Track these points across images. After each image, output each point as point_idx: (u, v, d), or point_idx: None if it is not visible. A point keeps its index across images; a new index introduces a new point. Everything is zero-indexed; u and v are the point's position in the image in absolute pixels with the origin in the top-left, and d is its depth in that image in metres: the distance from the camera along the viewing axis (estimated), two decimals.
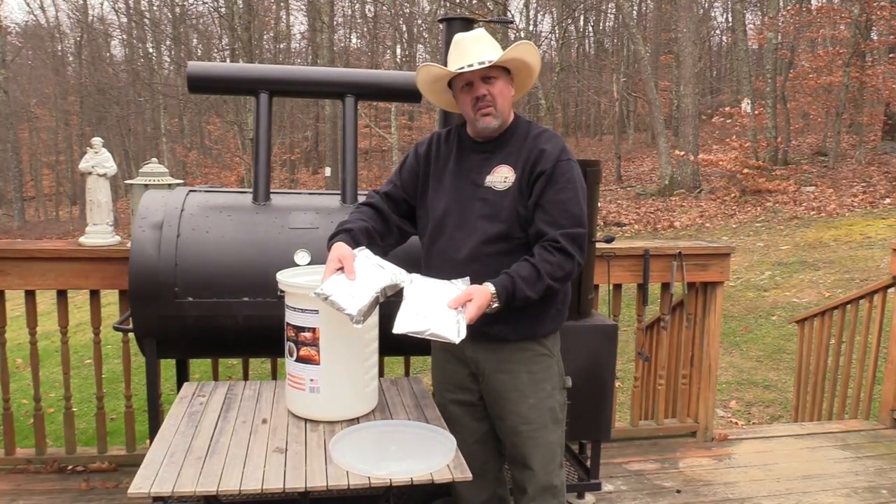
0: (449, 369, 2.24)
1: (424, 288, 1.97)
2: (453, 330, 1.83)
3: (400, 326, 1.84)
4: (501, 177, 2.05)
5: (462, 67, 2.00)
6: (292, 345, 2.12)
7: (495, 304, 1.91)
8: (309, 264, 2.48)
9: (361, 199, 2.81)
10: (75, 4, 30.88)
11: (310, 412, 2.12)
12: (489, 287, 1.91)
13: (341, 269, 1.95)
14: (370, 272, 1.99)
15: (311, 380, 2.09)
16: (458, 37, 2.05)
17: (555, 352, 2.15)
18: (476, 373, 2.17)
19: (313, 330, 2.06)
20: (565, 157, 2.01)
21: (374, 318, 2.21)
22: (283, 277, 2.12)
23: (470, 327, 1.88)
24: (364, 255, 2.03)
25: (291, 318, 2.11)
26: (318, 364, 2.08)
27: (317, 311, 2.05)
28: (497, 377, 2.10)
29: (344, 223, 2.14)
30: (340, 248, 2.01)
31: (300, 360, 2.10)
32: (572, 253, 1.96)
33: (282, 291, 2.12)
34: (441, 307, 1.89)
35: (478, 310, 1.88)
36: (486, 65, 1.98)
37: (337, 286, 1.92)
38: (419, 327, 1.83)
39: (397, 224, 2.23)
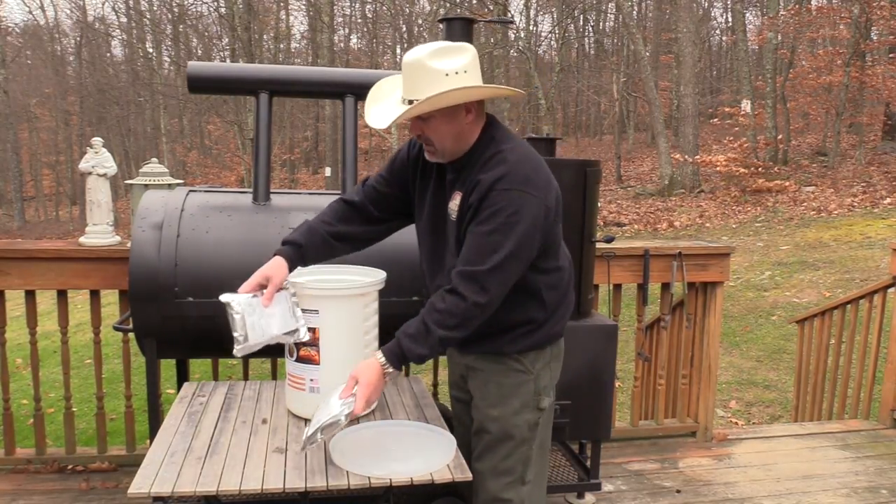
0: (451, 367, 2.24)
1: (326, 399, 1.92)
2: (336, 412, 1.75)
3: (303, 445, 1.79)
4: (455, 205, 1.90)
5: (382, 116, 1.86)
6: (292, 345, 2.12)
7: (390, 370, 1.81)
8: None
9: None
10: (75, 4, 30.92)
11: (310, 412, 2.12)
12: (377, 357, 1.81)
13: (265, 286, 1.96)
14: (281, 315, 1.98)
15: (311, 380, 2.09)
16: (404, 61, 1.81)
17: (533, 369, 1.99)
18: (465, 375, 2.16)
19: (313, 330, 2.07)
20: (502, 186, 1.77)
21: (375, 318, 2.22)
22: None
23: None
24: (286, 295, 2.00)
25: None
26: (318, 364, 2.08)
27: (317, 312, 2.06)
28: (472, 382, 2.07)
29: (299, 232, 2.06)
30: (275, 266, 1.99)
31: (300, 360, 2.10)
32: (464, 294, 1.76)
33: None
34: (333, 402, 1.81)
35: (368, 387, 1.78)
36: (392, 121, 1.81)
37: (249, 308, 1.92)
38: (314, 437, 1.75)
39: (379, 218, 2.12)
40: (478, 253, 1.78)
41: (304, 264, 2.08)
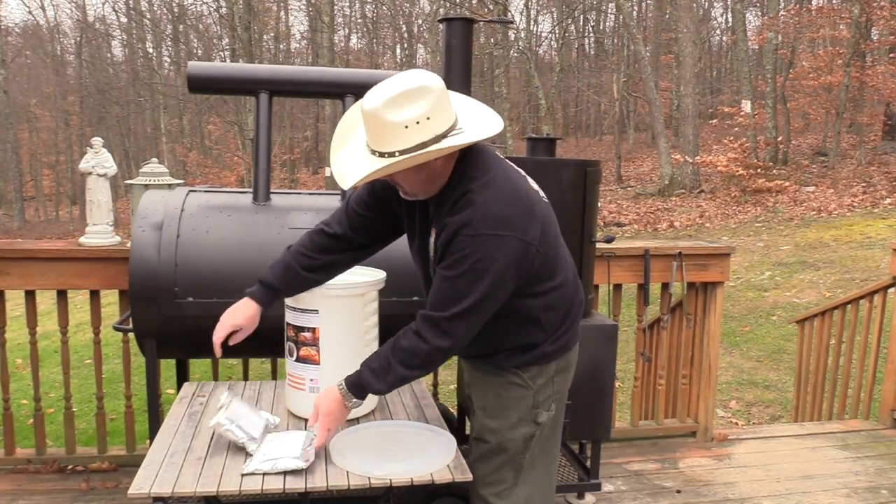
0: (461, 368, 2.24)
1: (285, 434, 1.96)
2: (297, 454, 1.80)
3: (249, 467, 1.80)
4: (433, 241, 1.82)
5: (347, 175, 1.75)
6: (292, 345, 2.12)
7: (354, 400, 1.81)
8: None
9: None
10: (75, 4, 30.94)
11: (310, 412, 2.12)
12: (339, 385, 1.82)
13: (233, 333, 1.98)
14: (254, 416, 2.00)
15: (311, 380, 2.10)
16: (362, 107, 1.68)
17: (534, 385, 1.94)
18: (469, 381, 2.15)
19: (313, 330, 2.07)
20: (468, 231, 1.67)
21: (375, 318, 2.22)
22: None
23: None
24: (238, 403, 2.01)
25: (291, 318, 2.11)
26: (317, 364, 2.08)
27: (316, 311, 2.06)
28: (473, 391, 2.05)
29: (275, 273, 2.01)
30: (246, 315, 1.98)
31: (300, 360, 2.10)
32: (426, 337, 1.73)
33: None
34: (294, 439, 1.87)
35: (327, 416, 1.81)
36: (354, 182, 1.71)
37: (236, 416, 1.93)
38: (266, 466, 1.78)
39: (363, 244, 2.05)
40: (441, 298, 1.73)
41: (279, 300, 2.07)
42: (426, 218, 1.87)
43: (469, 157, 1.78)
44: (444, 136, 1.66)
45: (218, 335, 1.97)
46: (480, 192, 1.71)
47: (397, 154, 1.64)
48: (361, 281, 2.19)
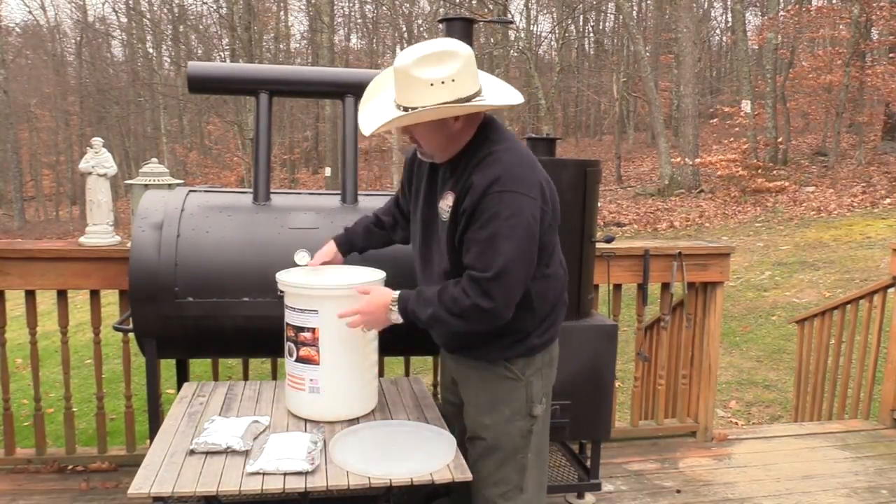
0: (444, 369, 2.24)
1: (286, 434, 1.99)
2: (302, 456, 1.82)
3: (254, 466, 1.80)
4: (447, 205, 1.88)
5: (371, 122, 1.86)
6: (292, 345, 2.12)
7: (394, 308, 1.89)
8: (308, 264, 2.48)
9: (361, 199, 2.82)
10: (75, 4, 30.94)
11: (310, 412, 2.12)
12: (393, 293, 1.92)
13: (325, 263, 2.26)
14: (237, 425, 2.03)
15: (311, 380, 2.10)
16: (394, 63, 1.78)
17: (524, 376, 1.96)
18: (455, 380, 2.14)
19: (313, 330, 2.07)
20: (496, 189, 1.74)
21: None
22: (283, 277, 2.12)
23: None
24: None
25: (291, 318, 2.11)
26: (317, 364, 2.08)
27: (316, 312, 2.06)
28: (462, 388, 2.06)
29: (353, 224, 2.34)
30: (327, 247, 2.29)
31: (300, 360, 2.10)
32: (468, 293, 1.77)
33: (282, 291, 2.12)
34: (298, 441, 1.91)
35: (367, 311, 1.92)
36: (373, 130, 1.82)
37: (222, 428, 1.99)
38: (271, 466, 1.79)
39: (404, 225, 2.30)
40: (478, 258, 1.77)
41: (359, 251, 2.33)
42: (434, 181, 1.97)
43: (490, 125, 1.89)
44: (466, 100, 1.75)
45: (316, 262, 2.27)
46: (505, 153, 1.82)
47: (419, 109, 1.72)
48: (361, 281, 2.19)
